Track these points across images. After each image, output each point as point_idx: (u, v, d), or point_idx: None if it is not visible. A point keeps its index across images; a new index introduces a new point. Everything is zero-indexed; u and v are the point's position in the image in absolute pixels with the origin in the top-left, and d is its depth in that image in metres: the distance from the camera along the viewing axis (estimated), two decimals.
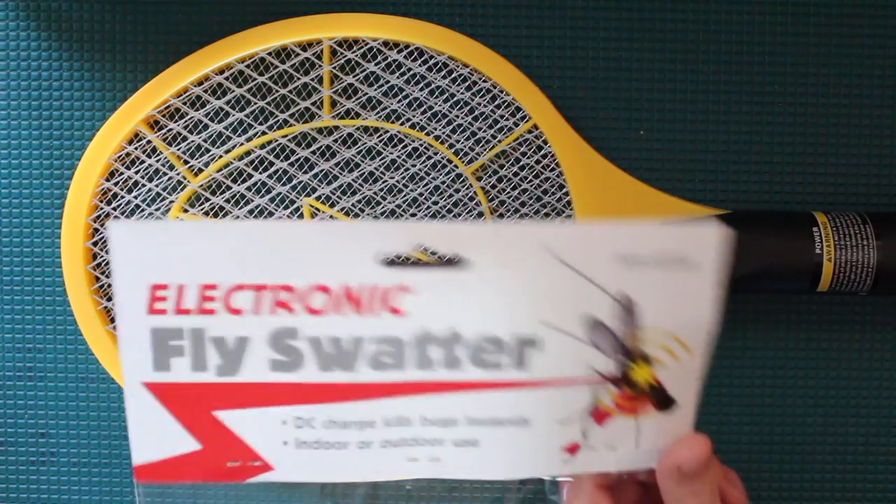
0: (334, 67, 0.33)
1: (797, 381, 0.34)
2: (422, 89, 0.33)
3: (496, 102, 0.33)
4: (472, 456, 0.26)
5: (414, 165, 0.33)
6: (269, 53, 0.32)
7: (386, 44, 0.33)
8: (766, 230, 0.31)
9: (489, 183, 0.33)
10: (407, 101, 0.33)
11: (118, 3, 0.34)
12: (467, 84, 0.33)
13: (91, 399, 0.35)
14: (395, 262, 0.25)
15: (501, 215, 0.33)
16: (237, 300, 0.25)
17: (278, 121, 0.33)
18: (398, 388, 0.26)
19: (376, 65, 0.33)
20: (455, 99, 0.33)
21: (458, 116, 0.33)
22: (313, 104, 0.33)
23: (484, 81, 0.32)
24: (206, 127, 0.33)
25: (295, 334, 0.25)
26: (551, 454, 0.26)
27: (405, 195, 0.34)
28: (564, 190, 0.33)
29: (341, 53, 0.33)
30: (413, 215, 0.34)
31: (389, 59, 0.33)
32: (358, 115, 0.33)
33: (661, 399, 0.26)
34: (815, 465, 0.35)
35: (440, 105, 0.33)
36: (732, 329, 0.34)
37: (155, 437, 0.26)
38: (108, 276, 0.34)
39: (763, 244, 0.31)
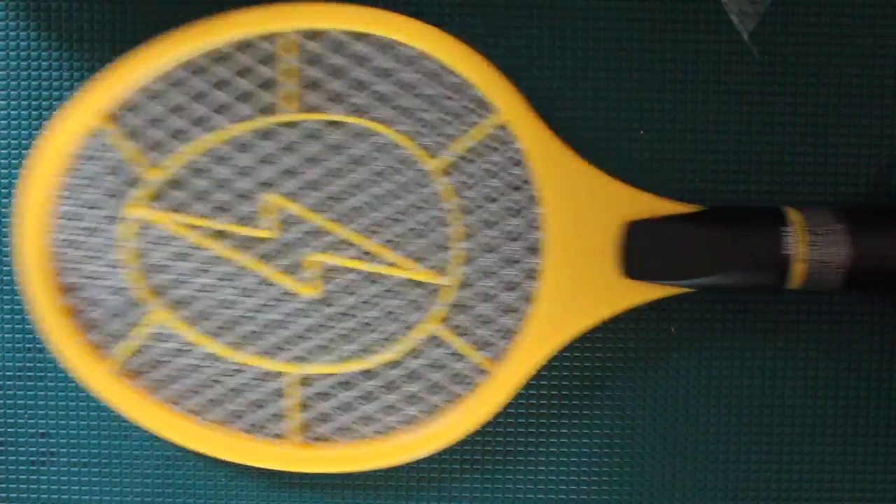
0: (298, 59, 0.32)
1: (786, 382, 0.34)
2: (390, 83, 0.32)
3: (466, 97, 0.33)
4: None
5: (378, 161, 0.33)
6: (232, 45, 0.32)
7: (352, 35, 0.32)
8: (736, 227, 0.30)
9: (457, 180, 0.33)
10: (375, 95, 0.32)
11: (118, 3, 0.34)
12: (438, 78, 0.32)
13: (91, 399, 0.35)
14: None
15: (470, 211, 0.33)
16: None
17: (240, 114, 0.33)
18: None
19: (342, 57, 0.32)
20: (424, 94, 0.33)
21: (426, 111, 0.33)
22: (276, 97, 0.32)
23: (454, 76, 0.32)
24: (167, 120, 0.33)
25: None
26: None
27: (370, 191, 0.33)
28: (533, 187, 0.32)
29: (307, 45, 0.32)
30: (376, 212, 0.33)
31: (356, 51, 0.32)
32: (323, 109, 0.33)
33: None
34: (816, 465, 0.35)
35: (408, 100, 0.33)
36: (721, 330, 0.34)
37: None
38: None
39: (732, 241, 0.30)
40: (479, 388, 0.33)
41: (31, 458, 0.35)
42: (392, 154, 0.33)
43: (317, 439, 0.34)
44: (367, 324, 0.33)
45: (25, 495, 0.35)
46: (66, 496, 0.35)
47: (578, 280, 0.32)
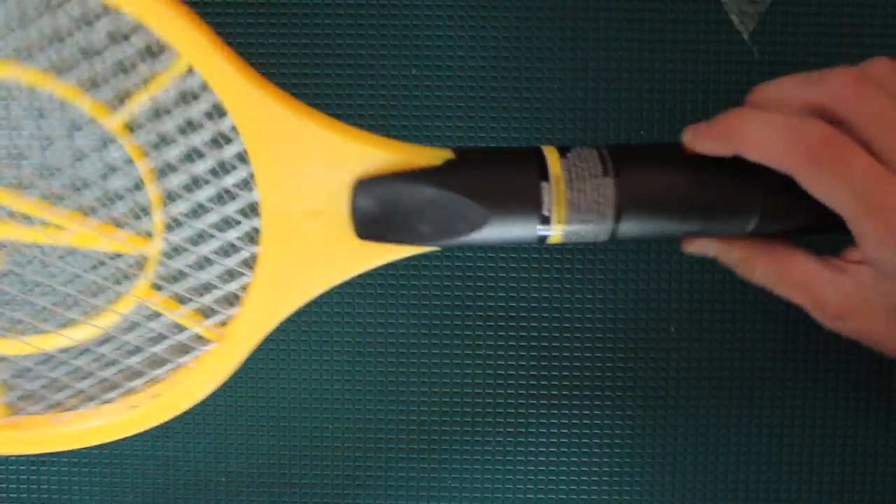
0: None
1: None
2: (43, 28, 0.26)
3: (142, 40, 0.26)
4: None
5: (47, 120, 0.27)
6: None
7: None
8: (483, 179, 0.26)
9: (147, 138, 0.27)
10: (27, 42, 0.26)
11: None
12: (102, 18, 0.26)
13: None
14: None
15: (170, 171, 0.27)
16: None
17: None
18: None
19: None
20: (88, 38, 0.26)
21: (94, 58, 0.26)
22: None
23: (120, 15, 0.26)
24: None
25: None
26: None
27: (43, 155, 0.28)
28: (238, 141, 0.27)
29: None
30: (54, 179, 0.28)
31: None
32: None
33: None
34: (816, 465, 0.35)
35: (70, 46, 0.26)
36: (721, 331, 0.34)
37: None
38: None
39: (477, 198, 0.26)
40: (204, 358, 0.29)
41: (31, 458, 0.35)
42: (61, 111, 0.27)
43: (24, 418, 0.30)
44: (68, 297, 0.29)
45: (25, 495, 0.35)
46: (66, 496, 0.35)
47: (304, 243, 0.28)
